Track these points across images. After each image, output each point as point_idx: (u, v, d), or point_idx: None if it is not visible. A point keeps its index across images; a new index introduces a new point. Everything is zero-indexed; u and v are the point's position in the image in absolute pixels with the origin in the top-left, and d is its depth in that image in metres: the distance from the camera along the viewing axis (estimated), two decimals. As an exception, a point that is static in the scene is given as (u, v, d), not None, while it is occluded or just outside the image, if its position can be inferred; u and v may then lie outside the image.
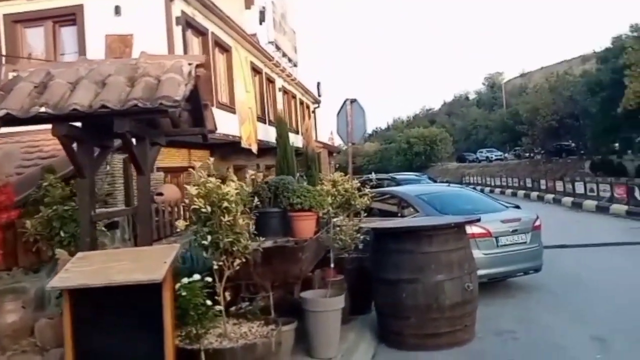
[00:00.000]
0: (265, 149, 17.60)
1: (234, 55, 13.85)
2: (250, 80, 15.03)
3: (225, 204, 4.45)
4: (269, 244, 5.30)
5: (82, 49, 9.88)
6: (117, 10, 9.64)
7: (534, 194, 27.25)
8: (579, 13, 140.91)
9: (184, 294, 3.87)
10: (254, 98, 15.76)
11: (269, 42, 17.64)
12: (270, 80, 18.54)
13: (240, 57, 14.31)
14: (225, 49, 13.45)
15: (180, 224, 4.41)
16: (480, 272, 7.22)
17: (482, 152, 58.74)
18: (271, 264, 5.48)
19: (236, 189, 4.63)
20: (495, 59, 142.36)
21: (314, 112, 27.91)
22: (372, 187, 9.22)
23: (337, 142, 44.11)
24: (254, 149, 14.92)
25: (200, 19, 11.59)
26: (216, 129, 5.24)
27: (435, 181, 18.83)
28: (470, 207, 8.81)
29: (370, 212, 9.59)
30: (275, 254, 5.49)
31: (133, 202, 10.62)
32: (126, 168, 10.16)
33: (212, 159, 5.18)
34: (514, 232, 7.91)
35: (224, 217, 4.37)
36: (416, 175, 19.82)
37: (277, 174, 17.82)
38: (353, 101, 8.40)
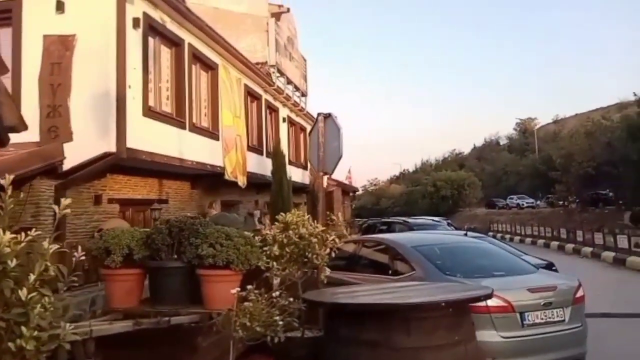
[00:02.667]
0: (264, 184, 15.69)
1: (222, 75, 12.10)
2: (241, 104, 13.23)
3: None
4: (121, 326, 3.21)
5: (17, 52, 8.21)
6: (60, 7, 7.97)
7: (569, 246, 24.43)
8: (616, 60, 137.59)
9: None
10: (247, 125, 13.94)
11: (270, 66, 15.93)
12: (272, 109, 16.77)
13: (231, 77, 12.57)
14: (209, 66, 11.71)
15: None
16: (498, 364, 5.06)
17: (512, 198, 55.82)
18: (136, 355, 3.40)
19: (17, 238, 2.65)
20: (527, 104, 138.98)
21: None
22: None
23: (358, 181, 42.17)
24: (241, 182, 12.98)
25: (173, 27, 9.89)
26: (25, 127, 3.32)
27: (456, 228, 16.46)
28: (487, 265, 6.56)
29: (355, 265, 7.49)
30: (144, 340, 3.41)
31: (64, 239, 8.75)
32: (59, 197, 8.29)
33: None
34: (547, 305, 5.60)
35: (-21, 286, 2.35)
36: (434, 220, 17.48)
37: (271, 213, 15.85)
38: (327, 116, 6.41)
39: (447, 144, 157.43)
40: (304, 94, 19.79)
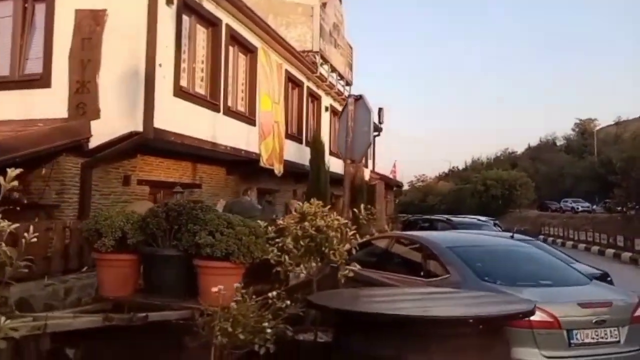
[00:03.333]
0: (303, 174, 15.27)
1: (261, 59, 11.70)
2: (281, 90, 12.80)
3: None
4: (85, 321, 2.80)
5: (49, 27, 8.04)
6: (92, -20, 7.73)
7: (626, 255, 22.85)
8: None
9: None
10: (286, 112, 13.51)
11: (314, 52, 15.42)
12: (315, 97, 16.26)
13: (271, 61, 12.15)
14: (247, 49, 11.31)
15: None
16: (539, 386, 4.46)
17: (567, 201, 53.34)
18: None
19: None
20: (587, 104, 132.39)
21: (373, 140, 25.33)
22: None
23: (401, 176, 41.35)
24: (277, 170, 12.58)
25: (210, 6, 9.52)
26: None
27: (504, 230, 15.53)
28: (533, 273, 5.88)
29: (387, 263, 6.93)
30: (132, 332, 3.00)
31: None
32: (85, 175, 8.11)
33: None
34: (600, 323, 4.89)
35: None
36: (479, 220, 16.57)
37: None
38: (358, 98, 5.83)
39: (500, 143, 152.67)
40: (348, 83, 19.18)
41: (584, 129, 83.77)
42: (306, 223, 4.29)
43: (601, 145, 65.66)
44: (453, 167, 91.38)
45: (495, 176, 59.38)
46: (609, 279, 8.94)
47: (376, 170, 27.97)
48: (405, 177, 77.82)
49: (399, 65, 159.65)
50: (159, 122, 7.91)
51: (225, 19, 10.08)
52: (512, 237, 9.66)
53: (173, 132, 8.34)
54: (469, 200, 59.38)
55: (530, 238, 10.53)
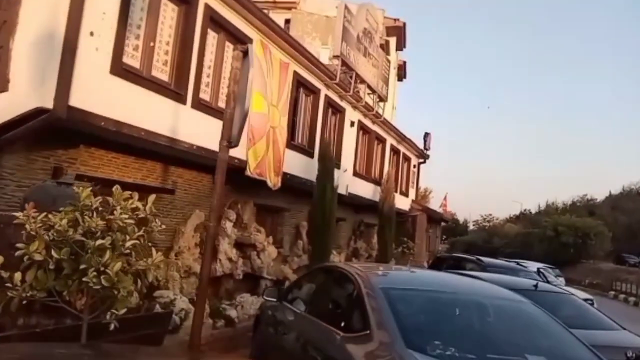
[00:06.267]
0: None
1: (256, 51, 10.15)
2: (282, 92, 11.19)
3: None
4: None
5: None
6: None
7: None
8: None
9: None
10: (292, 119, 11.87)
11: (334, 56, 13.72)
12: (337, 109, 14.51)
13: (270, 57, 10.59)
14: (238, 39, 9.82)
15: None
16: None
17: (646, 255, 48.02)
18: None
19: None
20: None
21: (416, 166, 23.06)
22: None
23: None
24: (272, 182, 10.87)
25: (183, -21, 8.14)
26: None
27: (545, 278, 12.91)
28: (517, 343, 3.85)
29: (316, 303, 5.07)
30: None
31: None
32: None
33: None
34: None
35: None
36: (518, 264, 13.99)
37: (309, 226, 13.51)
38: (245, 53, 4.03)
39: (579, 188, 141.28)
40: (382, 99, 17.31)
41: (673, 179, 76.55)
42: (58, 219, 2.54)
43: (692, 197, 59.25)
44: (524, 210, 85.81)
45: (567, 222, 54.58)
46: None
47: (421, 202, 25.68)
48: (472, 216, 73.68)
49: (474, 100, 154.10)
50: (82, 102, 6.49)
51: (204, -3, 8.67)
52: (535, 286, 7.38)
53: (105, 116, 6.88)
54: (537, 245, 54.85)
55: (562, 291, 8.15)
